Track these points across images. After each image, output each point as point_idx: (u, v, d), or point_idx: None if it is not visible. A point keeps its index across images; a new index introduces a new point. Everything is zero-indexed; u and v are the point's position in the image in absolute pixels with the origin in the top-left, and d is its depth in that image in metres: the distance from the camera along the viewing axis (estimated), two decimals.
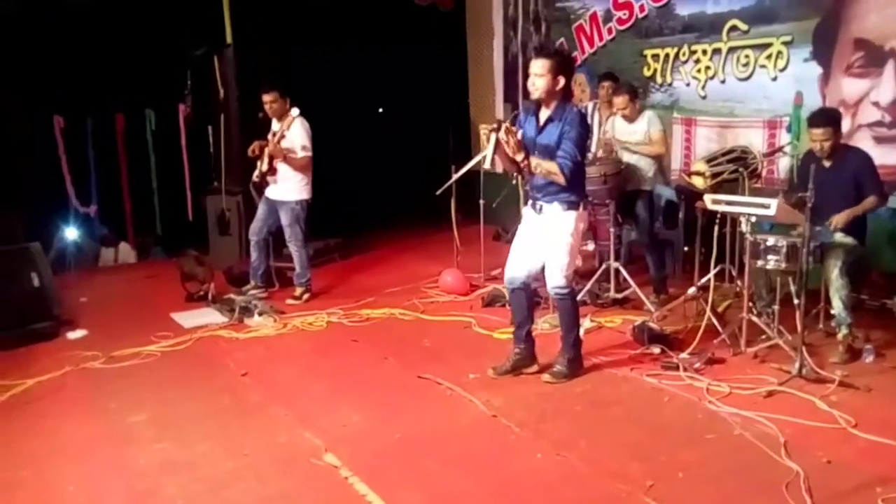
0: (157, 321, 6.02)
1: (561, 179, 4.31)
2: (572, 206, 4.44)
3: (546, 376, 4.62)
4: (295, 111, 6.37)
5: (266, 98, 6.39)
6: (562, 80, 4.35)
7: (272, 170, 6.39)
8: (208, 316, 6.16)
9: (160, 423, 4.23)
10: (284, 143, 6.32)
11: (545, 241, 4.50)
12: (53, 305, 5.95)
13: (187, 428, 4.15)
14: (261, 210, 6.65)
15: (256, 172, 6.50)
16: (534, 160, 4.34)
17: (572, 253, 4.52)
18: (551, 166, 4.32)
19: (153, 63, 8.18)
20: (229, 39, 8.24)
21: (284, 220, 6.49)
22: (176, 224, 8.69)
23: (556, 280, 4.51)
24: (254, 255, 6.68)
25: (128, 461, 3.81)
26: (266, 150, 6.36)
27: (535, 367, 4.72)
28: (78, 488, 3.55)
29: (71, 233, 8.19)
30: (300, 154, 6.34)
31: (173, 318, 6.13)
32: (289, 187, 6.45)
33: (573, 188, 4.43)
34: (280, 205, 6.49)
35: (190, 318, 6.10)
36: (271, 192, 6.55)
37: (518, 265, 4.64)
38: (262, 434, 4.05)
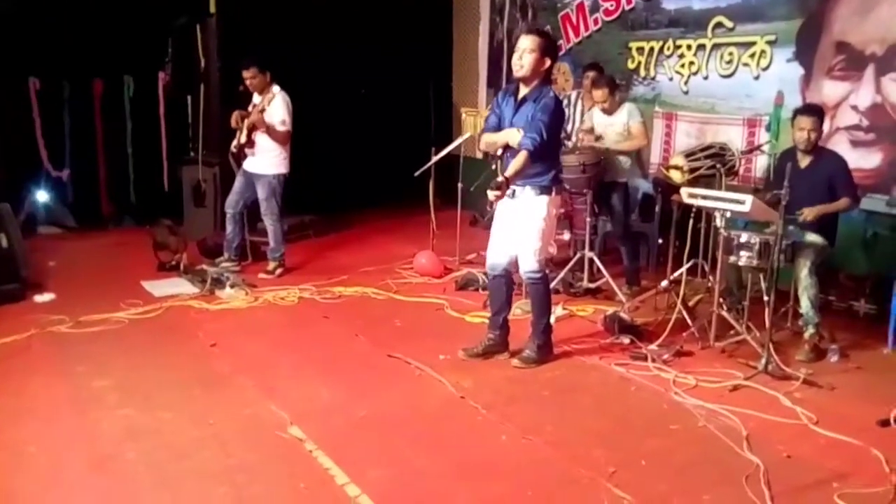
0: (128, 289, 5.96)
1: (528, 164, 4.25)
2: (545, 190, 4.44)
3: (515, 361, 4.63)
4: (276, 88, 6.32)
5: (245, 74, 6.36)
6: (547, 62, 4.36)
7: (250, 142, 6.35)
8: (179, 286, 6.12)
9: (125, 389, 4.20)
10: (265, 117, 6.27)
11: (518, 226, 4.50)
12: (21, 267, 5.86)
13: (152, 395, 4.12)
14: (237, 183, 6.60)
15: (235, 143, 6.46)
16: (509, 174, 4.21)
17: (545, 237, 4.53)
18: (519, 159, 4.23)
19: (134, 29, 8.08)
20: (213, 9, 8.15)
21: (261, 193, 6.45)
22: (150, 193, 8.59)
23: (528, 264, 4.52)
24: (229, 227, 6.63)
25: (91, 425, 3.79)
26: (245, 122, 6.31)
27: (506, 355, 4.74)
28: (39, 449, 3.53)
29: (42, 196, 8.07)
30: (279, 128, 6.30)
31: (144, 287, 6.07)
32: (266, 160, 6.40)
33: (546, 172, 4.43)
34: (257, 178, 6.45)
35: (161, 288, 6.05)
36: (249, 165, 6.50)
37: (499, 251, 4.65)
38: (227, 405, 4.04)
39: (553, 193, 4.49)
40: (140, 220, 8.20)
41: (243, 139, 6.36)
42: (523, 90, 4.43)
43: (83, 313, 5.31)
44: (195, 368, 4.54)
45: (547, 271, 4.73)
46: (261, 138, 6.34)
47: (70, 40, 7.81)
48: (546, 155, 4.39)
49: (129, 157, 8.64)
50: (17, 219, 6.26)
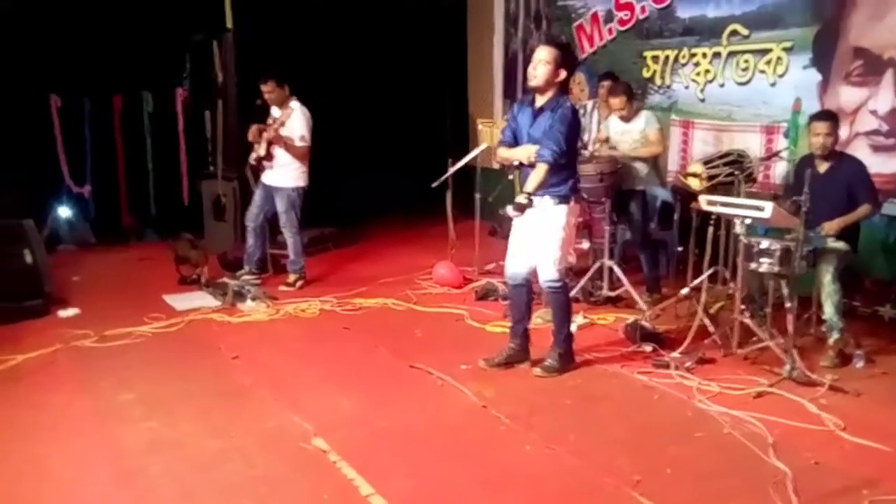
0: (150, 303, 6.00)
1: (548, 176, 4.31)
2: (564, 199, 4.45)
3: (537, 370, 4.62)
4: (295, 102, 6.36)
5: (263, 88, 6.39)
6: (563, 74, 4.36)
7: (269, 156, 6.39)
8: (201, 299, 6.15)
9: (149, 402, 4.22)
10: (283, 131, 6.31)
11: (537, 235, 4.51)
12: (45, 283, 5.93)
13: (176, 408, 4.14)
14: (257, 196, 6.63)
15: (253, 156, 6.50)
16: (528, 186, 4.34)
17: (565, 247, 4.53)
18: (539, 172, 4.32)
19: (152, 46, 8.18)
20: (229, 24, 8.22)
21: (280, 206, 6.49)
22: (171, 207, 8.67)
23: (548, 273, 4.52)
24: (250, 241, 6.66)
25: (115, 439, 3.80)
26: (264, 136, 6.34)
27: (527, 364, 4.73)
28: (64, 464, 3.55)
29: (64, 212, 8.16)
30: (298, 143, 6.33)
31: (166, 301, 6.11)
32: (285, 174, 6.44)
33: (564, 182, 4.44)
34: (276, 191, 6.49)
35: (182, 301, 6.09)
36: (267, 178, 6.54)
37: (518, 261, 4.65)
38: (250, 417, 4.05)
39: (572, 202, 4.50)
40: (161, 234, 8.27)
41: (262, 152, 6.39)
42: (539, 101, 4.44)
43: (107, 328, 5.35)
44: (218, 381, 4.55)
45: (567, 280, 4.72)
46: (280, 152, 6.37)
47: (89, 57, 7.92)
48: (564, 165, 4.41)
49: (150, 172, 8.75)
50: (40, 235, 6.32)
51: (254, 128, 6.47)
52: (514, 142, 4.58)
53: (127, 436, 3.83)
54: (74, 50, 7.82)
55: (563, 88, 4.46)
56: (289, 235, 6.56)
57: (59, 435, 3.84)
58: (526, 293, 4.73)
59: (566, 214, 4.47)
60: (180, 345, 5.18)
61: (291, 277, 6.61)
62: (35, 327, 5.48)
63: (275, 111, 6.48)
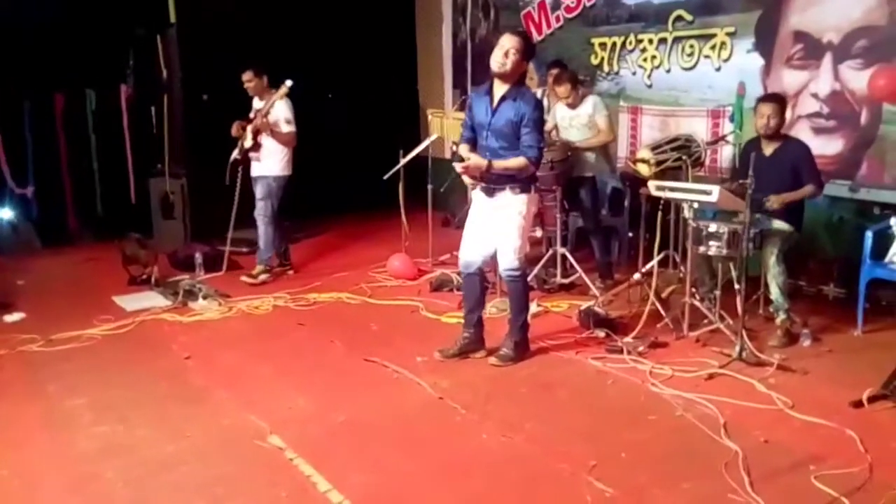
0: (99, 305, 5.89)
1: (532, 169, 4.36)
2: (524, 188, 4.47)
3: (493, 359, 4.64)
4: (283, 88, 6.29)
5: (243, 77, 6.42)
6: (525, 64, 4.39)
7: (257, 145, 6.36)
8: (151, 299, 6.06)
9: (100, 406, 4.14)
10: (268, 119, 6.30)
11: (497, 224, 4.52)
12: None
13: (128, 412, 4.07)
14: (256, 191, 6.57)
15: (237, 150, 6.46)
16: (497, 163, 4.34)
17: (524, 235, 4.55)
18: (517, 162, 4.33)
19: (94, 42, 7.99)
20: (173, 19, 8.09)
21: (258, 193, 6.47)
22: (118, 207, 8.50)
23: (508, 262, 4.53)
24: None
25: (66, 445, 3.73)
26: (249, 127, 6.33)
27: (482, 353, 4.75)
28: (12, 473, 3.47)
29: (6, 213, 7.95)
30: (285, 128, 6.33)
31: (115, 302, 6.00)
32: (271, 163, 6.45)
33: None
34: (258, 179, 6.49)
35: (132, 302, 5.98)
36: (254, 170, 6.51)
37: (473, 249, 4.66)
38: (205, 417, 4.00)
39: (532, 191, 4.52)
40: (108, 234, 8.09)
41: (248, 144, 6.36)
42: (499, 89, 4.41)
43: (54, 331, 5.24)
44: (170, 382, 4.49)
45: (526, 269, 4.74)
46: (267, 141, 6.37)
47: (28, 55, 7.70)
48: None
49: (95, 171, 8.56)
50: None
51: (236, 123, 6.47)
52: (473, 135, 4.58)
53: (78, 442, 3.76)
54: (14, 48, 7.60)
55: (522, 79, 4.46)
56: (262, 224, 6.52)
57: (8, 443, 3.75)
58: (479, 282, 4.74)
59: (527, 203, 4.49)
60: (131, 346, 5.10)
61: (257, 269, 6.54)
62: None
63: (256, 103, 6.49)
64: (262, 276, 6.52)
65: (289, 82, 6.18)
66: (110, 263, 6.86)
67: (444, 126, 7.84)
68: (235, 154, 6.53)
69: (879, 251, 5.03)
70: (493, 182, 4.48)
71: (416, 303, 5.86)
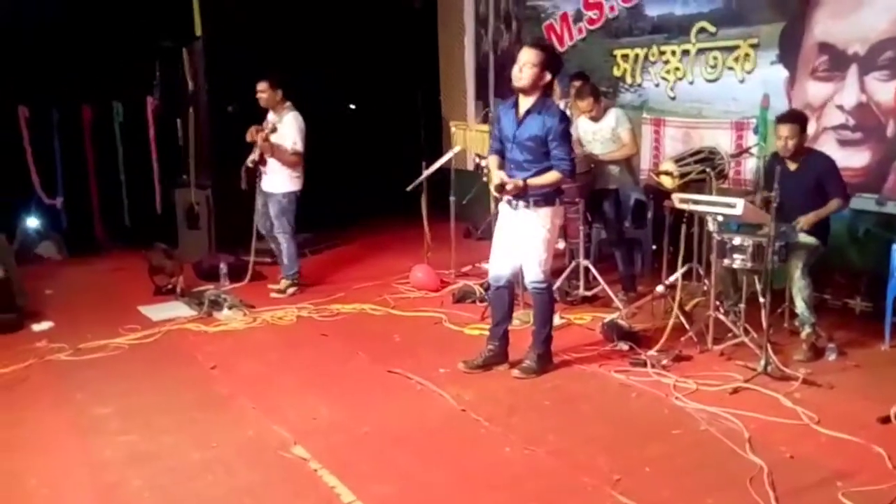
0: (125, 314, 5.95)
1: (568, 180, 4.40)
2: (549, 201, 4.48)
3: (516, 371, 4.64)
4: (290, 111, 6.35)
5: (258, 87, 6.40)
6: (547, 76, 4.38)
7: (263, 160, 6.38)
8: (177, 309, 6.12)
9: (127, 415, 4.19)
10: (275, 138, 6.30)
11: (523, 237, 4.53)
12: (18, 297, 5.87)
13: (154, 420, 4.12)
14: (259, 203, 6.60)
15: (250, 158, 6.47)
16: (532, 181, 4.36)
17: (550, 248, 4.56)
18: (551, 177, 4.36)
19: (121, 54, 8.10)
20: (199, 32, 8.18)
21: (272, 210, 6.49)
22: (144, 217, 8.60)
23: (534, 275, 4.54)
24: (274, 246, 6.67)
25: (93, 453, 3.78)
26: (256, 142, 6.35)
27: (506, 366, 4.75)
28: (41, 481, 3.51)
29: (33, 223, 8.08)
30: (290, 148, 6.32)
31: (141, 312, 6.07)
32: (277, 179, 6.44)
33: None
34: (269, 196, 6.49)
35: (158, 312, 6.04)
36: (264, 184, 6.53)
37: (502, 263, 4.68)
38: (230, 427, 4.04)
39: (557, 204, 4.53)
40: (135, 244, 8.18)
41: (256, 157, 6.38)
42: (525, 103, 4.44)
43: (82, 340, 5.31)
44: (196, 391, 4.53)
45: (551, 282, 4.75)
46: (271, 158, 6.37)
47: (57, 67, 7.82)
48: (548, 167, 4.45)
49: (122, 182, 8.67)
50: (11, 248, 6.25)
51: (252, 128, 6.45)
52: (501, 146, 4.60)
53: (105, 449, 3.81)
54: (42, 60, 7.73)
55: (547, 90, 4.47)
56: (282, 240, 6.53)
57: (36, 450, 3.80)
58: (508, 294, 4.75)
59: (551, 216, 4.51)
60: (157, 356, 5.15)
61: (283, 283, 6.56)
62: (8, 342, 5.40)
63: (271, 115, 6.49)
64: (291, 290, 6.55)
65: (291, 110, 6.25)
66: (136, 273, 6.94)
67: (466, 138, 7.85)
68: (248, 162, 6.50)
69: None
70: (519, 196, 4.49)
71: (439, 314, 5.87)
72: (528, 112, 4.41)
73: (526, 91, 4.39)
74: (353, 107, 9.66)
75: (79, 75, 7.99)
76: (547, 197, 4.47)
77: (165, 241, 7.27)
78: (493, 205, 6.62)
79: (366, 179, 9.30)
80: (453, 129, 8.44)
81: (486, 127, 7.03)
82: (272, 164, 6.38)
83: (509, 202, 4.56)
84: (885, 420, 3.88)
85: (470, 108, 9.64)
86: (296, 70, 8.44)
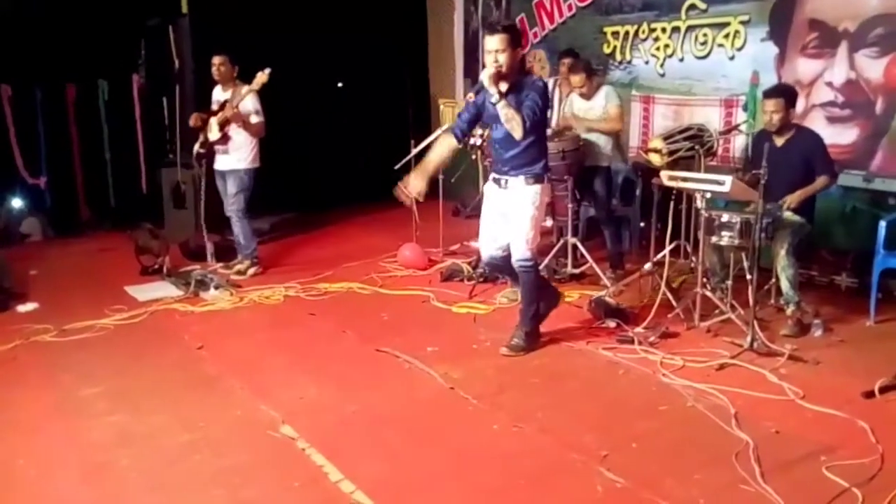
0: (111, 294, 5.92)
1: (519, 131, 4.27)
2: (537, 178, 4.48)
3: (504, 349, 4.65)
4: (241, 84, 6.27)
5: (216, 60, 6.32)
6: (519, 52, 4.40)
7: (225, 138, 6.30)
8: (163, 289, 6.08)
9: (114, 395, 4.18)
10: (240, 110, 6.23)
11: (510, 215, 4.52)
12: (3, 278, 5.84)
13: (142, 401, 4.11)
14: (220, 185, 6.54)
15: (199, 143, 6.41)
16: (504, 101, 4.29)
17: (537, 225, 4.55)
18: (516, 114, 4.28)
19: (106, 32, 8.01)
20: (185, 9, 8.08)
21: (231, 188, 6.39)
22: (130, 197, 8.54)
23: (520, 252, 4.53)
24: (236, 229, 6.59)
25: (80, 434, 3.77)
26: (215, 119, 6.27)
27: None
28: (28, 462, 3.50)
29: (17, 203, 8.01)
30: (254, 118, 6.27)
31: (127, 292, 6.03)
32: (239, 156, 6.36)
33: (537, 161, 4.48)
34: (229, 174, 6.40)
35: (144, 292, 6.01)
36: (220, 164, 6.44)
37: (492, 244, 4.67)
38: (217, 407, 4.03)
39: (545, 181, 4.53)
40: (120, 224, 8.13)
41: (214, 136, 6.30)
42: (503, 84, 4.39)
43: (67, 321, 5.27)
44: (183, 371, 4.52)
45: (538, 259, 4.75)
46: (235, 133, 6.29)
47: (40, 45, 7.72)
48: (536, 143, 4.45)
49: (107, 161, 8.59)
50: None
51: (195, 115, 6.42)
52: (474, 119, 4.60)
53: (93, 430, 3.80)
54: (25, 38, 7.63)
55: (522, 66, 4.46)
56: (236, 219, 6.43)
57: (23, 432, 3.79)
58: (506, 262, 4.69)
59: (539, 193, 4.50)
60: (144, 336, 5.13)
61: (244, 264, 6.50)
62: None
63: (217, 93, 6.43)
64: (252, 271, 6.48)
65: (267, 70, 6.05)
66: (122, 253, 6.90)
67: (454, 115, 7.81)
68: (198, 147, 6.45)
69: (893, 241, 5.00)
70: (505, 168, 4.49)
71: (427, 293, 5.86)
72: (508, 91, 4.36)
73: (505, 76, 4.34)
74: (340, 84, 9.58)
75: (63, 53, 7.89)
76: (535, 174, 4.46)
77: (151, 220, 7.23)
78: (481, 183, 6.60)
79: (354, 157, 9.25)
80: (442, 107, 8.41)
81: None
82: (237, 140, 6.31)
83: (496, 181, 4.54)
84: (870, 395, 3.91)
85: (459, 85, 9.58)
86: (282, 48, 8.38)
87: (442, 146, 4.77)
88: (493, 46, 4.31)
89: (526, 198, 4.47)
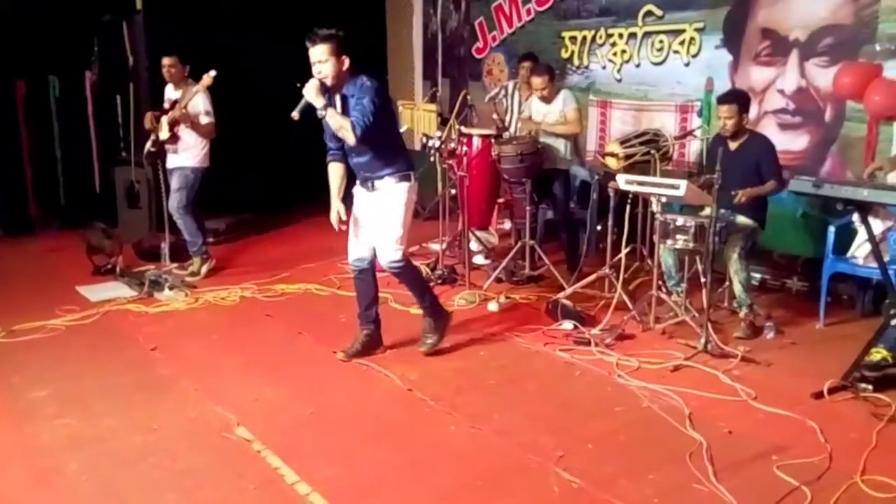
0: (62, 295, 5.80)
1: (350, 137, 4.18)
2: (404, 177, 4.42)
3: (423, 348, 4.63)
4: (192, 84, 6.19)
5: (166, 61, 6.24)
6: (346, 60, 4.26)
7: (174, 138, 6.21)
8: (116, 290, 5.98)
9: (64, 398, 4.09)
10: (189, 110, 6.16)
11: (378, 216, 4.45)
12: None
13: (93, 403, 4.03)
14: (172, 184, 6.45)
15: (150, 142, 6.32)
16: (330, 110, 4.23)
17: (406, 225, 4.47)
18: (344, 121, 4.20)
19: (58, 28, 7.84)
20: (139, 5, 7.96)
21: (175, 183, 6.30)
22: (81, 196, 8.37)
23: (390, 255, 4.43)
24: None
25: (29, 438, 3.68)
26: (164, 119, 6.19)
27: (381, 349, 4.70)
28: None
29: None
30: (204, 119, 6.20)
31: (79, 292, 5.91)
32: (189, 156, 6.28)
33: (398, 161, 4.42)
34: (175, 170, 6.32)
35: (97, 292, 5.90)
36: (170, 163, 6.35)
37: (361, 245, 4.57)
38: (171, 409, 3.97)
39: (412, 180, 4.47)
40: (72, 223, 7.96)
41: (164, 136, 6.22)
42: (336, 95, 4.34)
43: (16, 322, 5.15)
44: (136, 373, 4.44)
45: (408, 257, 4.64)
46: (185, 133, 6.22)
47: None
48: (389, 140, 4.40)
49: (58, 159, 8.41)
50: None
51: (148, 114, 6.34)
52: (334, 135, 4.47)
53: (42, 433, 3.71)
54: None
55: (355, 70, 4.33)
56: (178, 216, 6.31)
57: None
58: (372, 276, 4.66)
59: (407, 191, 4.43)
60: (96, 337, 5.03)
61: (196, 263, 6.39)
62: None
63: (169, 91, 6.36)
64: (205, 268, 6.40)
65: (212, 72, 6.01)
66: (74, 253, 6.76)
67: (413, 117, 7.81)
68: (149, 146, 6.36)
69: (842, 246, 5.12)
70: (370, 173, 4.42)
71: (385, 294, 5.81)
72: (344, 98, 4.31)
73: (334, 86, 4.28)
74: (299, 84, 9.49)
75: (12, 48, 7.71)
76: (402, 173, 4.41)
77: (105, 220, 7.08)
78: (440, 185, 6.61)
79: (311, 158, 9.15)
80: (401, 109, 8.39)
81: (433, 106, 6.99)
82: (187, 140, 6.23)
83: (364, 184, 4.49)
84: (819, 395, 3.99)
85: (418, 87, 9.59)
86: (239, 47, 8.30)
87: (333, 174, 4.64)
88: (314, 58, 4.22)
89: (394, 198, 4.41)
